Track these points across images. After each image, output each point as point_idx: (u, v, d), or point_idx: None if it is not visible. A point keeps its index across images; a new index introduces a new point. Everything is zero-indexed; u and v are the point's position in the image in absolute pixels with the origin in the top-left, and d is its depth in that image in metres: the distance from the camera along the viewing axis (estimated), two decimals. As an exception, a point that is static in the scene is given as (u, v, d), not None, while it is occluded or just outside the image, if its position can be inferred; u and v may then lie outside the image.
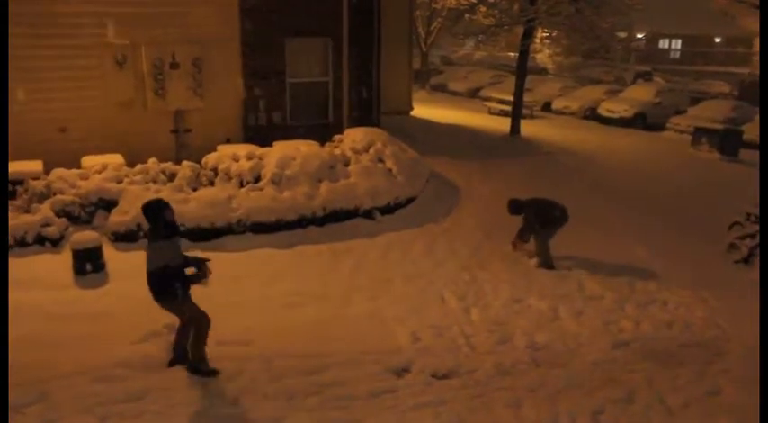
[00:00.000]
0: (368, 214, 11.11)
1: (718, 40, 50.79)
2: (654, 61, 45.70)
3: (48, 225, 9.53)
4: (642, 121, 23.36)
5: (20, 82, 11.37)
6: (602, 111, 24.42)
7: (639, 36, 48.14)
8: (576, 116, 25.46)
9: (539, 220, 9.69)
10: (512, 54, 37.63)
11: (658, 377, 6.85)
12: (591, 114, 24.99)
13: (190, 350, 6.35)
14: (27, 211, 9.80)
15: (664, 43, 53.04)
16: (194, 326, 6.34)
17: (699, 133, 19.20)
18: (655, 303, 8.69)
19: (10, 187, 10.18)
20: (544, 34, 24.24)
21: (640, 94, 25.01)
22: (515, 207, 9.87)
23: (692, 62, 47.27)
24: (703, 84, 32.55)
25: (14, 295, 7.94)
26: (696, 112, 22.45)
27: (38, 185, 10.20)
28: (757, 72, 31.00)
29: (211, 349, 6.80)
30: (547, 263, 9.60)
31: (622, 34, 28.88)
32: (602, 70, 37.18)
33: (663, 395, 6.54)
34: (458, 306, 8.28)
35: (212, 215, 10.06)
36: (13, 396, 5.85)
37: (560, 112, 26.10)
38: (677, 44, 53.09)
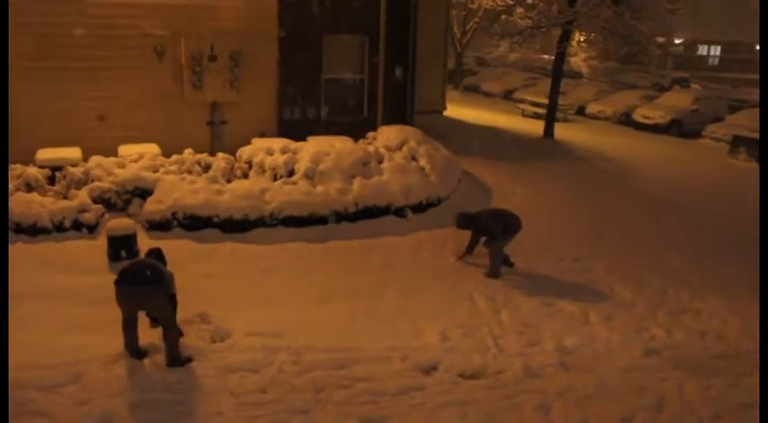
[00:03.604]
0: (400, 212, 11.10)
1: (759, 47, 49.85)
2: (691, 68, 45.07)
3: (85, 211, 9.71)
4: (678, 127, 23.02)
5: (60, 71, 11.58)
6: (638, 116, 24.10)
7: (678, 42, 47.52)
8: (610, 121, 25.21)
9: (500, 227, 9.22)
10: (546, 56, 37.43)
11: (689, 387, 6.73)
12: (626, 120, 24.70)
13: (169, 348, 6.36)
14: (65, 197, 9.99)
15: (702, 49, 52.26)
16: (166, 325, 6.39)
17: (737, 142, 18.92)
18: (687, 312, 8.55)
19: (50, 173, 10.39)
20: (581, 37, 24.01)
21: (677, 101, 24.64)
22: (465, 221, 9.41)
23: (731, 69, 46.49)
24: (742, 91, 31.96)
25: (50, 279, 8.15)
26: (734, 120, 22.02)
27: (76, 172, 10.40)
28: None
29: (241, 340, 6.89)
30: (497, 272, 9.22)
31: (661, 39, 28.49)
32: (638, 75, 36.79)
33: (694, 405, 6.43)
34: (487, 306, 8.25)
35: (245, 207, 10.14)
36: (48, 376, 5.99)
37: (595, 117, 25.85)
38: (716, 51, 52.27)
